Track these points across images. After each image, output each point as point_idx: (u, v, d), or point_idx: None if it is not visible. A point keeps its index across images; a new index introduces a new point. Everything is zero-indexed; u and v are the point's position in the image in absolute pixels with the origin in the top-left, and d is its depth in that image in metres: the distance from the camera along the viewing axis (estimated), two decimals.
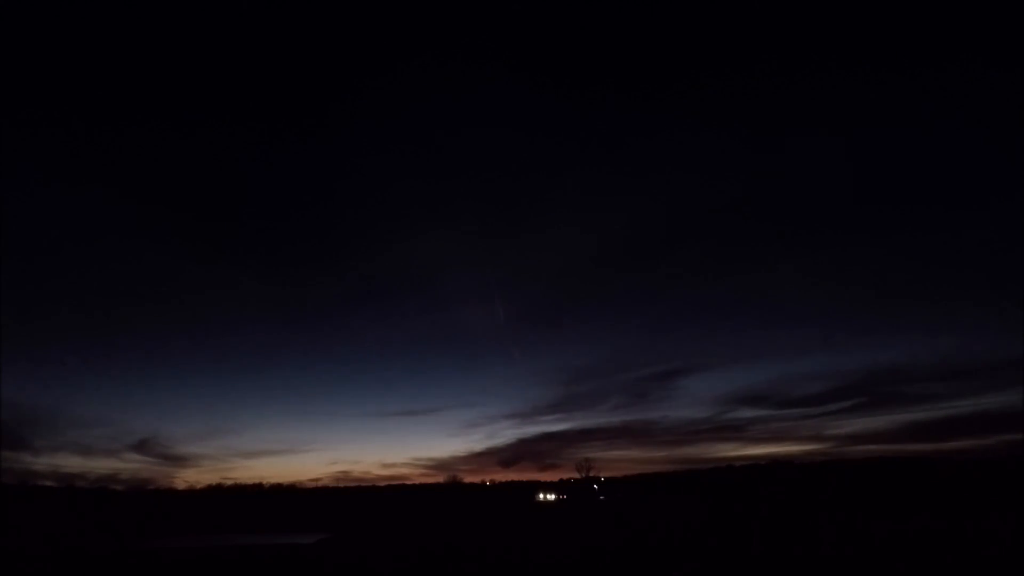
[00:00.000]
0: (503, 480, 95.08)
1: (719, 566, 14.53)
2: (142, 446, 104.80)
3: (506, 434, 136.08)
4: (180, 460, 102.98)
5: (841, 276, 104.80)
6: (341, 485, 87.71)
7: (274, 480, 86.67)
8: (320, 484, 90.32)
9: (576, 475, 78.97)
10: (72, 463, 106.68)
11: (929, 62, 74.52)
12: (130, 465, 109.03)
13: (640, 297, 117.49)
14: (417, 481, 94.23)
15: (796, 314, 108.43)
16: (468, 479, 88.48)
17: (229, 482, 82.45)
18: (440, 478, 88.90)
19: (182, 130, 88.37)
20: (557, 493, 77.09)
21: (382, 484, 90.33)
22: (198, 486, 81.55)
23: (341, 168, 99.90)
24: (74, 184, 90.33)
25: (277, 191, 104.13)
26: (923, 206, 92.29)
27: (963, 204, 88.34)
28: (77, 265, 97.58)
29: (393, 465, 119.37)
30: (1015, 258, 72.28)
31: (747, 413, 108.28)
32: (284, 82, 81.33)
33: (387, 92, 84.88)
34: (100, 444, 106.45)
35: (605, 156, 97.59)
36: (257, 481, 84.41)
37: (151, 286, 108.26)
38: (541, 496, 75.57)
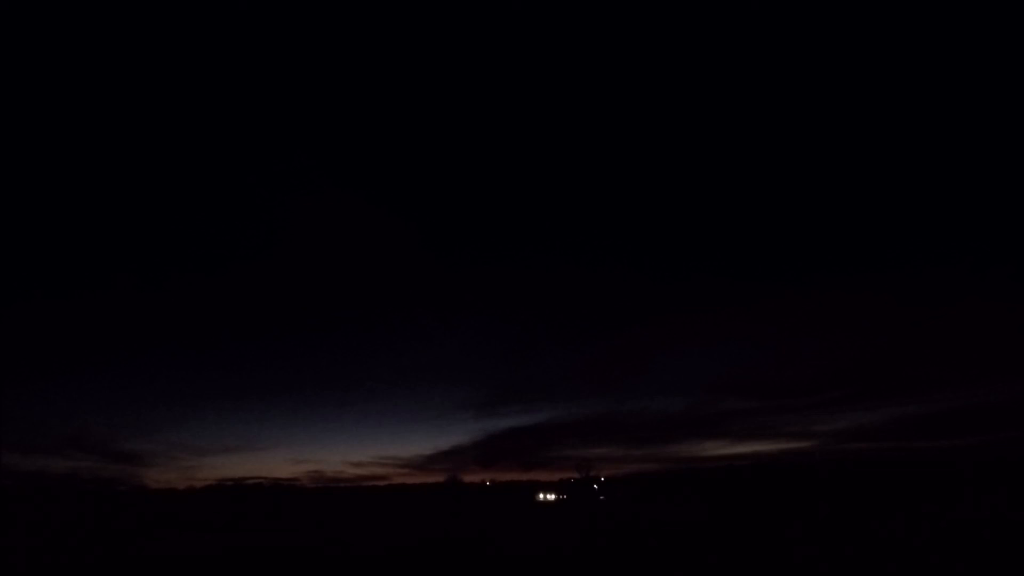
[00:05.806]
0: (500, 480, 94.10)
1: (720, 567, 13.91)
2: (79, 442, 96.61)
3: (469, 428, 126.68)
4: (136, 458, 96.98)
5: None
6: (342, 485, 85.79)
7: (240, 477, 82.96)
8: (304, 484, 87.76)
9: (575, 475, 79.13)
10: (9, 461, 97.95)
11: None
12: (82, 464, 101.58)
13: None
14: (397, 480, 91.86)
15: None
16: (467, 479, 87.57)
17: (229, 482, 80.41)
18: (440, 477, 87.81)
19: None
20: (557, 493, 77.17)
21: (382, 484, 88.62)
22: (198, 485, 79.47)
23: None
24: None
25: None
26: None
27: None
28: None
29: (362, 464, 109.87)
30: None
31: (730, 405, 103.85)
32: None
33: None
34: (29, 440, 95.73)
35: None
36: (256, 480, 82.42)
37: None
38: (541, 496, 76.28)
